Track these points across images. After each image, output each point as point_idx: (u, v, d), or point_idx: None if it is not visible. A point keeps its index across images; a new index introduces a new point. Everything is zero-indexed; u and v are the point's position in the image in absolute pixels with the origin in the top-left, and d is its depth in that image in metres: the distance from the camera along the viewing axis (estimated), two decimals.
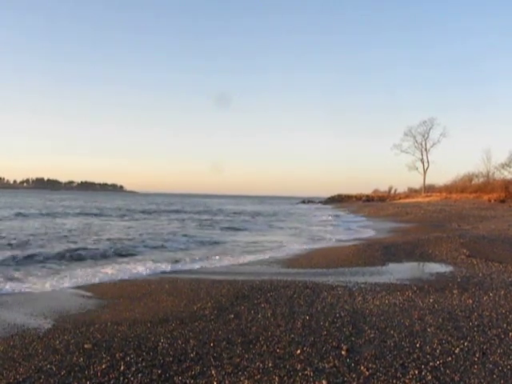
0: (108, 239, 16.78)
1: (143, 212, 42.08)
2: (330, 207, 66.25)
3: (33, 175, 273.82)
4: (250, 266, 10.97)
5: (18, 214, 31.43)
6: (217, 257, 12.51)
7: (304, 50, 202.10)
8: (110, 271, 9.93)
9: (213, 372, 4.04)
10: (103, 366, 4.17)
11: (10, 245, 14.31)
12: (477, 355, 4.42)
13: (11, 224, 23.30)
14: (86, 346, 4.72)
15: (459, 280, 8.40)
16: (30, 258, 11.57)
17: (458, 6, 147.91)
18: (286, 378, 3.92)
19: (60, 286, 8.29)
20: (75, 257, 12.13)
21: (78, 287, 8.25)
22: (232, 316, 5.89)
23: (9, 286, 8.07)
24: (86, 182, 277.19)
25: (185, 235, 19.13)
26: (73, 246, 14.36)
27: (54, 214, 33.37)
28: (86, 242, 15.57)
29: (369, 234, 20.60)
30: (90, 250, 13.45)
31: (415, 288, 7.61)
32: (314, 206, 71.89)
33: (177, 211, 45.81)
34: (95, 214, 35.70)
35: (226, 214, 42.79)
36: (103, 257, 12.51)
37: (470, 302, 6.61)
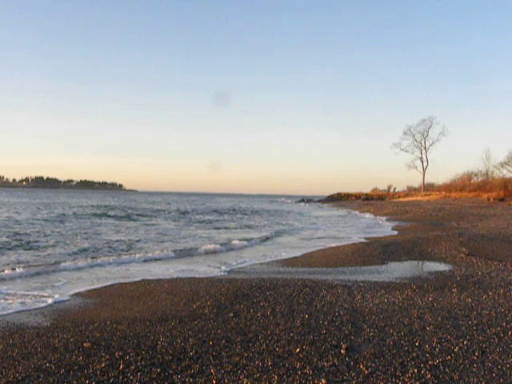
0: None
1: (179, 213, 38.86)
2: (330, 206, 66.17)
3: (32, 174, 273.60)
4: (253, 266, 10.97)
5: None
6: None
7: (304, 49, 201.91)
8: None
9: (212, 371, 4.04)
10: (102, 365, 4.17)
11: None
12: (476, 354, 4.42)
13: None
14: (85, 344, 4.72)
15: (458, 279, 8.41)
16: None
17: (457, 5, 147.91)
18: (285, 376, 3.92)
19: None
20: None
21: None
22: (231, 315, 5.90)
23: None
24: (85, 181, 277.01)
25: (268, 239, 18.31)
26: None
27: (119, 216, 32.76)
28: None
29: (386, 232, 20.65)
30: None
31: (414, 287, 7.61)
32: (316, 206, 70.74)
33: (217, 211, 43.51)
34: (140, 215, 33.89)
35: (260, 214, 41.15)
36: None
37: (470, 300, 6.61)
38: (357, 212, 43.02)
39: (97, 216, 30.94)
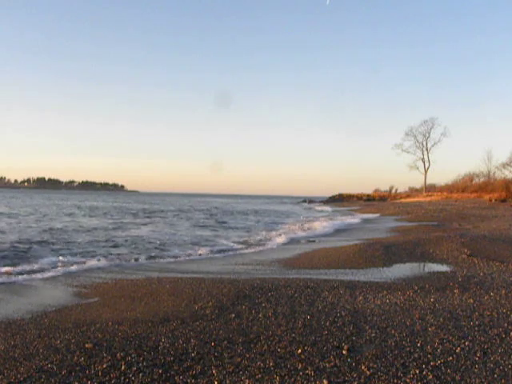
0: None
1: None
2: (332, 207, 66.05)
3: (34, 175, 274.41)
4: (251, 266, 10.97)
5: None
6: None
7: (305, 49, 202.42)
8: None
9: (214, 371, 4.04)
10: (104, 366, 4.17)
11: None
12: (478, 355, 4.41)
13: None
14: (86, 345, 4.73)
15: (460, 279, 8.39)
16: None
17: (460, 3, 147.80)
18: (286, 377, 3.92)
19: None
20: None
21: (81, 286, 8.26)
22: (233, 315, 5.90)
23: None
24: (87, 182, 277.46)
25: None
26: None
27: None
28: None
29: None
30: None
31: (416, 287, 7.60)
32: (324, 208, 61.46)
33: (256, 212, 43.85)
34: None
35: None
36: None
37: (471, 301, 6.60)
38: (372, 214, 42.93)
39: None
